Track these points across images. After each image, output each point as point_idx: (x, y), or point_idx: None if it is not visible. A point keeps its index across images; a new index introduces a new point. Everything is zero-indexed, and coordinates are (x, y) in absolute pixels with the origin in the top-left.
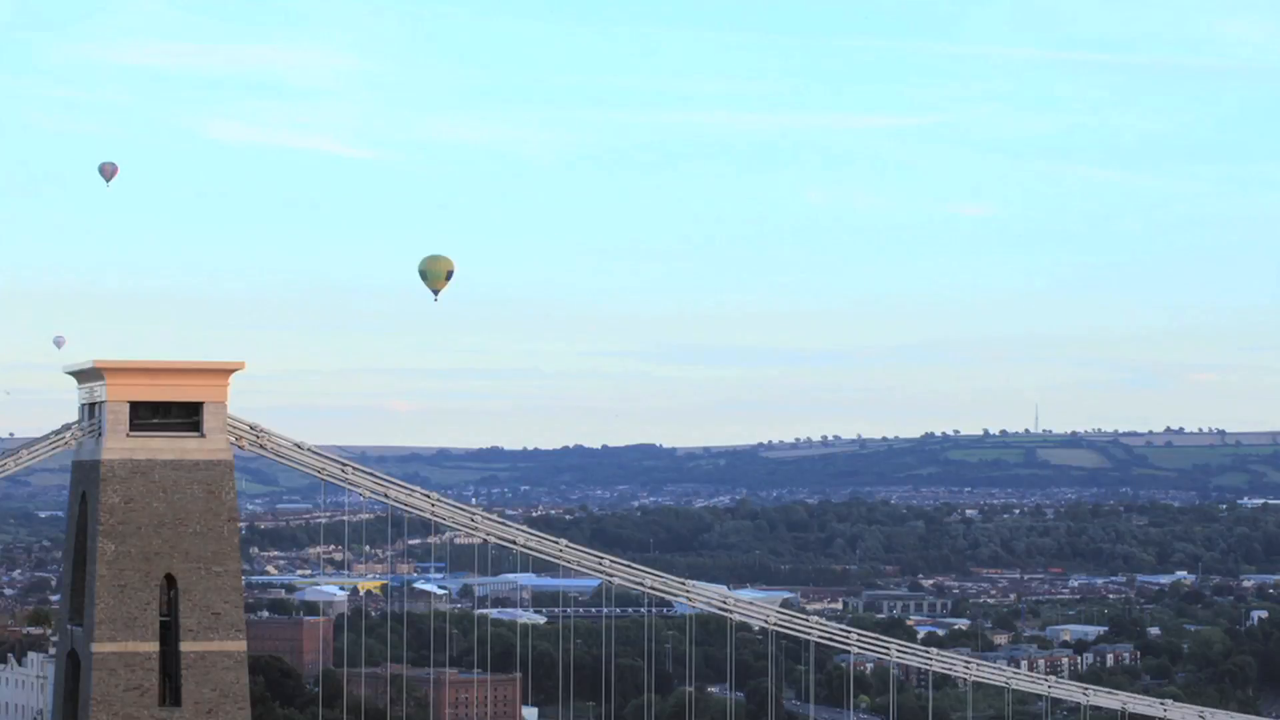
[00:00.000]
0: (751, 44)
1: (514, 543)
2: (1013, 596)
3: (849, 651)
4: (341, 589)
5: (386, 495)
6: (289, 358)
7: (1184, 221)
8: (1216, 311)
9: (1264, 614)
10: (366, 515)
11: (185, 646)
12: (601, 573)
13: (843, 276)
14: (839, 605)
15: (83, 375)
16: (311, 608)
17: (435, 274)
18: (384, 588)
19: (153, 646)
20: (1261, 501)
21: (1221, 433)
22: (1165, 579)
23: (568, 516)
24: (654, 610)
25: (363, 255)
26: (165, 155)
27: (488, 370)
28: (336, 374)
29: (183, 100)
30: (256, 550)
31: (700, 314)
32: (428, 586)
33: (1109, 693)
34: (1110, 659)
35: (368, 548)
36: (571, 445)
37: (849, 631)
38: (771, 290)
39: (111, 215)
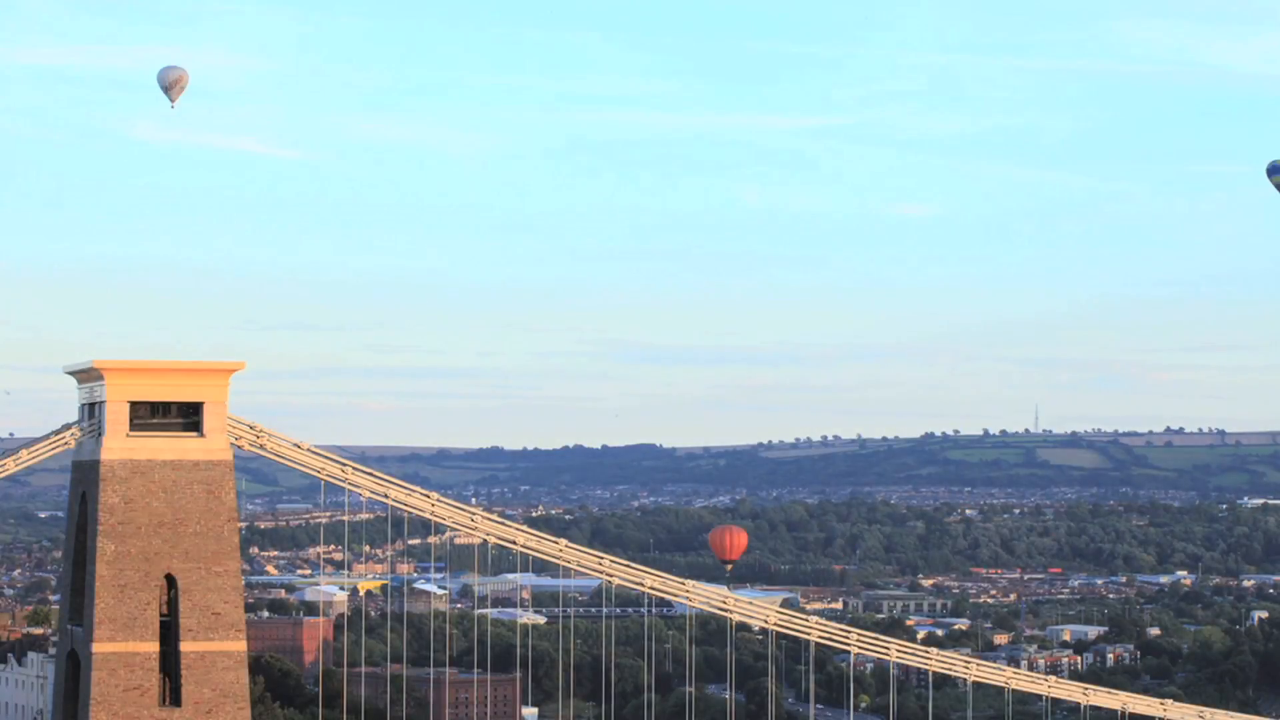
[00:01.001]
0: (662, 47)
1: (514, 543)
2: (1013, 596)
3: (849, 651)
4: (341, 589)
5: (386, 495)
6: (288, 358)
7: (1119, 219)
8: (1156, 306)
9: (1264, 614)
10: (366, 515)
11: (185, 646)
12: (601, 573)
13: (823, 274)
14: (839, 605)
15: (83, 375)
16: (311, 608)
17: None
18: (384, 588)
19: (153, 646)
20: (1261, 501)
21: (1221, 433)
22: (1165, 579)
23: (568, 516)
24: (654, 610)
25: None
26: (94, 156)
27: (472, 369)
28: (335, 373)
29: (99, 102)
30: (256, 550)
31: (672, 310)
32: (428, 586)
33: (1109, 693)
34: (1110, 659)
35: (368, 548)
36: (571, 445)
37: (849, 631)
38: (749, 290)
39: (56, 212)
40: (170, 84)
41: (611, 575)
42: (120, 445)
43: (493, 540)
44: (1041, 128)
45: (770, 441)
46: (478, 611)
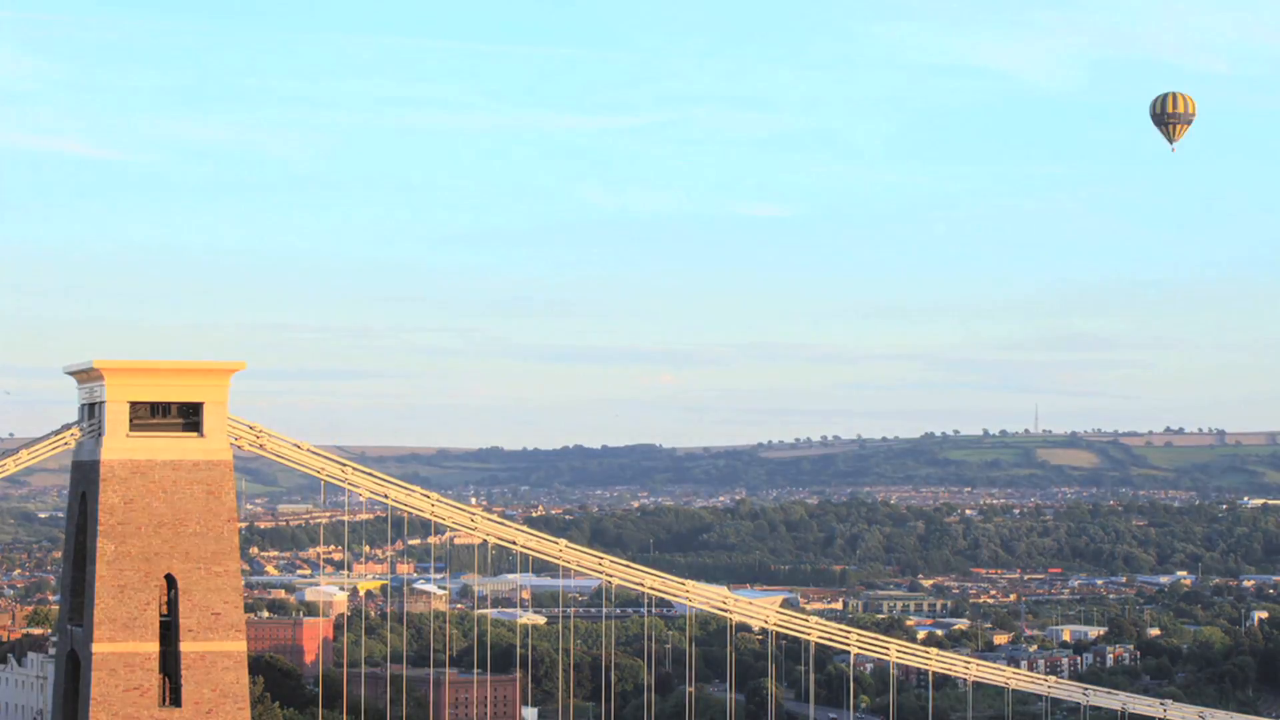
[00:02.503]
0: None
1: (514, 543)
2: (1013, 596)
3: (849, 651)
4: (341, 589)
5: (386, 495)
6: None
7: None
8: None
9: (1264, 614)
10: (366, 515)
11: (185, 646)
12: (601, 573)
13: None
14: (839, 605)
15: (83, 375)
16: (311, 608)
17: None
18: (384, 588)
19: (153, 646)
20: (1261, 501)
21: (1221, 433)
22: (1165, 579)
23: (568, 516)
24: (654, 610)
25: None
26: None
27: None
28: (335, 374)
29: None
30: (256, 550)
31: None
32: (428, 586)
33: (1109, 693)
34: (1110, 659)
35: (368, 548)
36: (571, 445)
37: (849, 632)
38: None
39: None
40: None
41: (611, 575)
42: (120, 445)
43: (493, 540)
44: (836, 129)
45: (770, 441)
46: (478, 611)
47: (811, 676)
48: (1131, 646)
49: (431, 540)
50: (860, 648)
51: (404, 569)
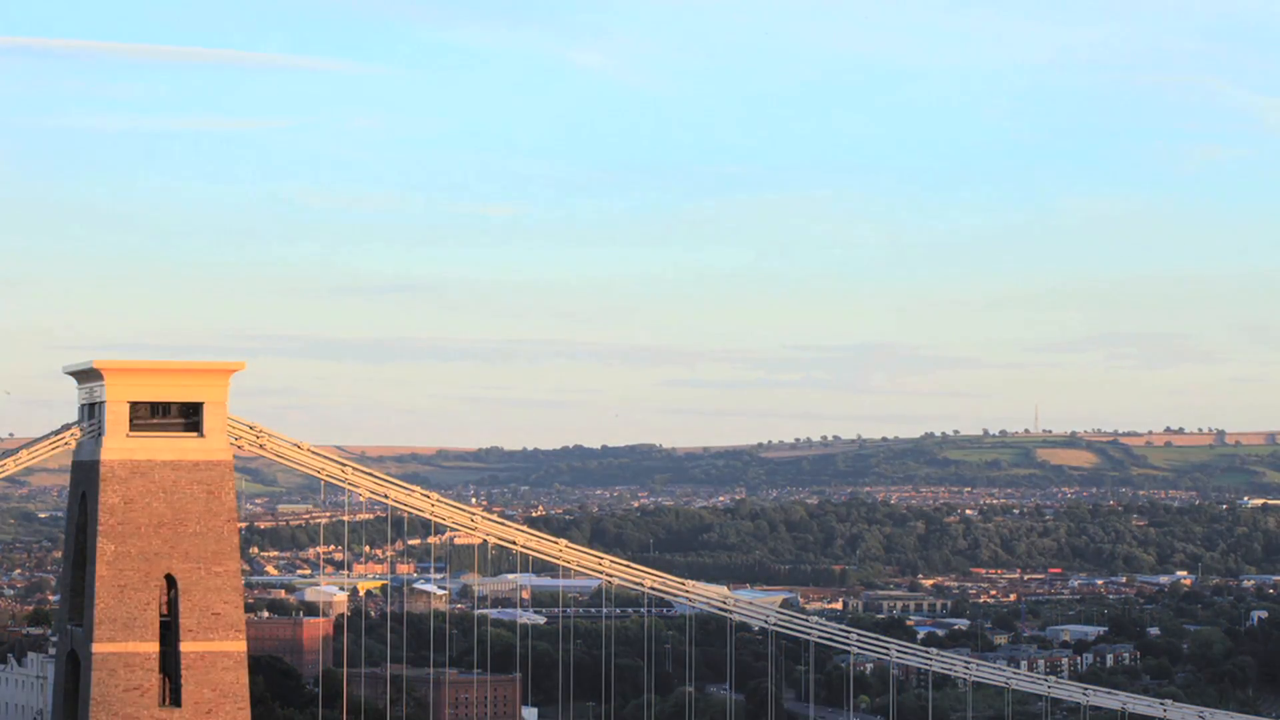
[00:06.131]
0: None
1: (514, 543)
2: (1013, 596)
3: (849, 651)
4: (341, 589)
5: (386, 495)
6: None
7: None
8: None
9: (1264, 614)
10: (366, 515)
11: (185, 646)
12: (601, 573)
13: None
14: (839, 605)
15: (82, 375)
16: (311, 608)
17: None
18: (384, 588)
19: (153, 646)
20: (1261, 501)
21: (1220, 433)
22: (1165, 579)
23: (568, 516)
24: (654, 610)
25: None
26: None
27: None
28: (336, 374)
29: None
30: (256, 550)
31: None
32: (428, 586)
33: (1109, 693)
34: (1110, 659)
35: (368, 548)
36: (571, 445)
37: (849, 631)
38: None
39: None
40: None
41: (611, 575)
42: (120, 445)
43: (493, 540)
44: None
45: (770, 441)
46: (478, 611)
47: (811, 676)
48: (1131, 646)
49: (431, 540)
50: (860, 648)
51: (404, 569)
